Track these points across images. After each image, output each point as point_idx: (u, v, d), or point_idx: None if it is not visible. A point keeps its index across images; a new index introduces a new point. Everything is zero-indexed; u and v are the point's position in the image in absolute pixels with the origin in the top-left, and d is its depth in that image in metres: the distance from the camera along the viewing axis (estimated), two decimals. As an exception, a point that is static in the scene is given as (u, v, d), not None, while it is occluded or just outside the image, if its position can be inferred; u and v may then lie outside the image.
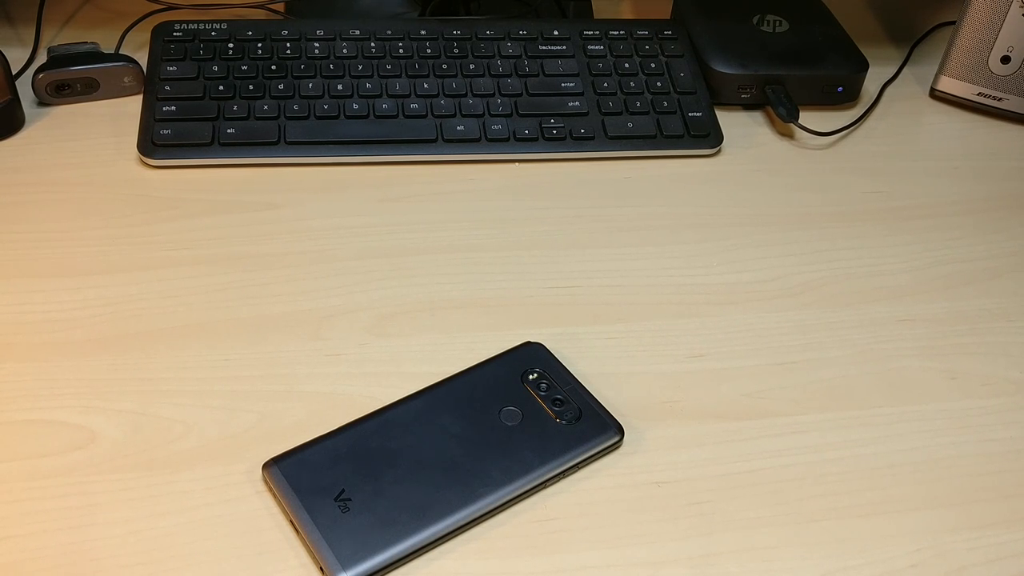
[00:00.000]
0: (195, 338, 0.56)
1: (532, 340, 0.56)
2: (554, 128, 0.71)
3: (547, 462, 0.49)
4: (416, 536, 0.45)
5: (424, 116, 0.70)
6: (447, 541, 0.46)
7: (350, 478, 0.47)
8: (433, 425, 0.50)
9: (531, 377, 0.53)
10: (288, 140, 0.68)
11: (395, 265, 0.62)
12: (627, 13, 0.89)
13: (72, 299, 0.57)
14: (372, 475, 0.48)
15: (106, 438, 0.50)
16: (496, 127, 0.70)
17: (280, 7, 0.83)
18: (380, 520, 0.46)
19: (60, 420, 0.51)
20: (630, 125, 0.72)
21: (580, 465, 0.50)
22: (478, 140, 0.70)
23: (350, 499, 0.46)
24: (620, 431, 0.51)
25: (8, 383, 0.52)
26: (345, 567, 0.44)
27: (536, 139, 0.70)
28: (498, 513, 0.48)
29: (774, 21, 0.80)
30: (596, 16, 0.87)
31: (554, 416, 0.51)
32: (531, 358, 0.54)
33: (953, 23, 0.79)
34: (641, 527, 0.48)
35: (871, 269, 0.64)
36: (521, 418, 0.51)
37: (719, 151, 0.73)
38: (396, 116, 0.70)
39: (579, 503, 0.49)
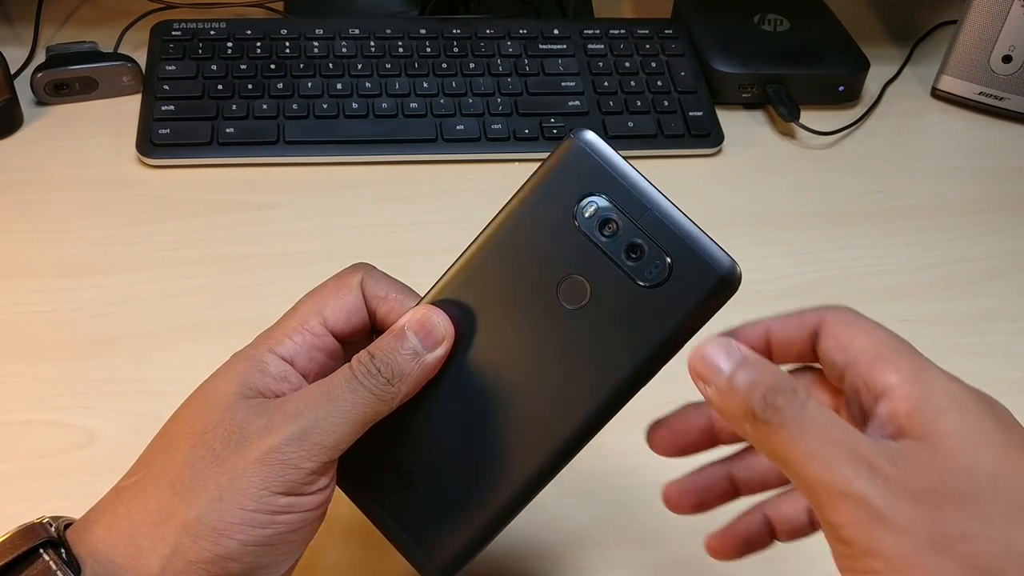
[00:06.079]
0: (195, 338, 0.55)
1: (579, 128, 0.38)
2: (554, 127, 0.70)
3: (637, 356, 0.36)
4: (495, 510, 0.37)
5: (424, 115, 0.70)
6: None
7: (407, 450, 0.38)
8: (479, 342, 0.37)
9: (588, 213, 0.36)
10: (287, 140, 0.68)
11: (395, 265, 0.61)
12: (627, 12, 0.89)
13: (72, 299, 0.57)
14: (432, 444, 0.38)
15: (106, 438, 0.50)
16: (496, 126, 0.70)
17: (279, 6, 0.83)
18: (449, 499, 0.38)
19: (60, 420, 0.51)
20: (630, 124, 0.71)
21: (684, 338, 0.37)
22: (478, 140, 0.70)
23: (412, 472, 0.38)
24: (731, 268, 0.37)
25: (8, 383, 0.52)
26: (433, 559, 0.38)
27: (536, 138, 0.70)
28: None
29: (775, 20, 0.79)
30: (596, 15, 0.87)
31: (632, 278, 0.36)
32: (583, 173, 0.36)
33: (954, 22, 0.78)
34: (641, 527, 0.48)
35: (871, 269, 0.64)
36: (588, 293, 0.36)
37: (720, 151, 0.72)
38: (396, 115, 0.70)
39: (579, 503, 0.49)
